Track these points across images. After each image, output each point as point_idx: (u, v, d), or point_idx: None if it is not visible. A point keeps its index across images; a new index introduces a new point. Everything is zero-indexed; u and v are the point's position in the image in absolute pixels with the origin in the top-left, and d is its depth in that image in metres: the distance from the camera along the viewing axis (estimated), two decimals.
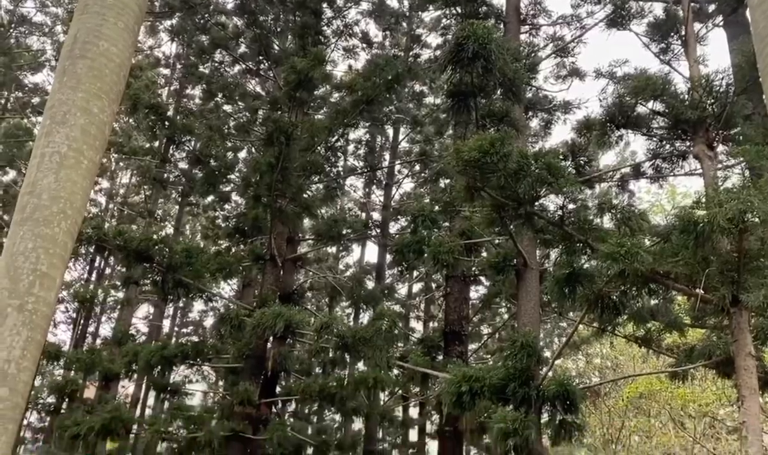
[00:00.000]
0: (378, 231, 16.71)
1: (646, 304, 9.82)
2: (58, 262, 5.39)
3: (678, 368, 9.46)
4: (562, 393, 8.38)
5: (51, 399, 21.17)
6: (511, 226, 8.32)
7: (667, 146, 8.88)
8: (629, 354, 16.57)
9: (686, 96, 8.45)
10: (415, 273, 25.84)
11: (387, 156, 21.07)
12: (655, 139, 8.88)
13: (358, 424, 27.30)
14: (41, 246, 5.22)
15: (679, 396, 13.71)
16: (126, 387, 27.13)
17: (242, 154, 17.68)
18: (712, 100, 8.16)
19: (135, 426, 14.58)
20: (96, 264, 26.87)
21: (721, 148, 8.40)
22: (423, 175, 20.69)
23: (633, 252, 6.27)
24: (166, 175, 17.84)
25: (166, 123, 13.54)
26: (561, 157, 9.05)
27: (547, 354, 9.67)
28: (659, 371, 11.62)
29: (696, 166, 9.03)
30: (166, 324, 30.12)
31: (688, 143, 8.60)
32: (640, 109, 8.75)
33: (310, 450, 20.35)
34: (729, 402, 14.58)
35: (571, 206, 7.57)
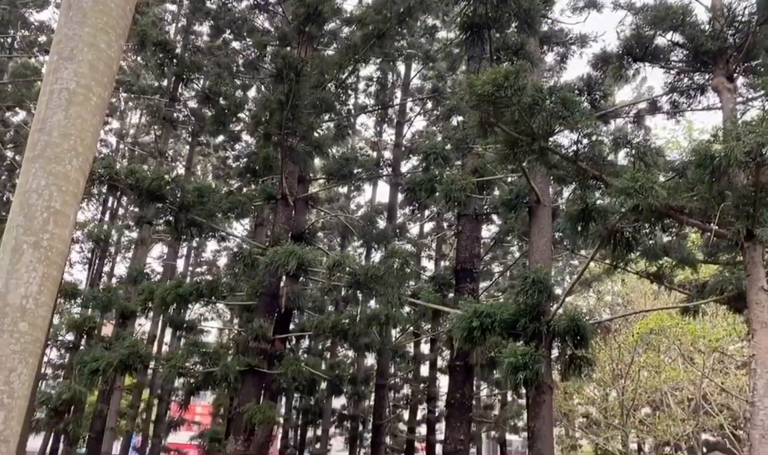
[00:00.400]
0: (389, 170, 16.64)
1: (659, 241, 9.78)
2: (71, 200, 5.41)
3: (689, 303, 9.49)
4: (573, 328, 8.45)
5: (70, 336, 21.69)
6: (525, 163, 8.23)
7: (686, 79, 8.67)
8: (640, 291, 16.62)
9: (707, 26, 8.19)
10: (427, 213, 25.84)
11: (398, 93, 20.78)
12: (673, 71, 8.66)
13: (370, 360, 27.84)
14: (53, 183, 5.23)
15: (689, 331, 13.78)
16: (142, 325, 27.69)
17: (252, 92, 17.49)
18: (734, 31, 7.91)
19: (152, 362, 14.93)
20: (109, 204, 27.05)
21: (741, 80, 8.19)
22: (435, 112, 20.44)
23: (647, 187, 6.20)
24: (175, 115, 17.71)
25: (175, 60, 13.36)
26: (576, 91, 8.87)
27: (558, 291, 9.71)
28: (670, 306, 11.67)
29: (714, 100, 8.83)
30: (180, 263, 30.49)
31: (707, 76, 8.39)
32: (659, 41, 8.51)
33: (323, 385, 20.85)
34: (739, 337, 14.67)
35: (585, 141, 7.46)
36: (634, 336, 14.72)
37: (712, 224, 6.52)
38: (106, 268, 28.41)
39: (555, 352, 11.67)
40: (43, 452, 25.91)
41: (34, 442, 23.83)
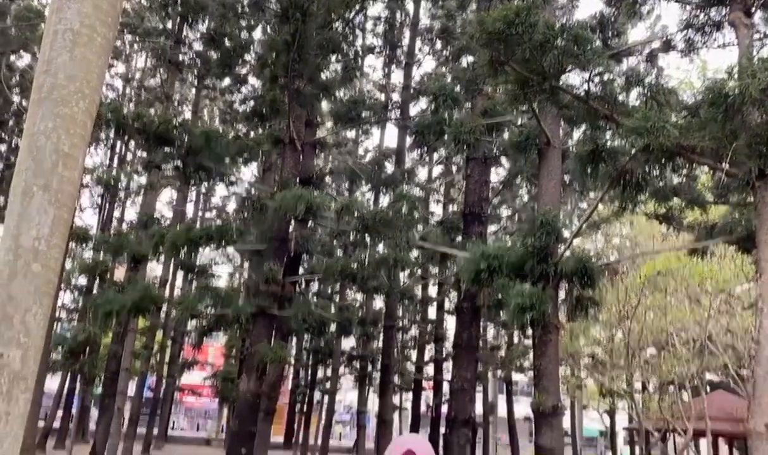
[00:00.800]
0: (398, 113, 16.46)
1: (669, 182, 9.71)
2: (79, 142, 5.39)
3: (698, 244, 9.48)
4: (580, 269, 8.48)
5: (83, 280, 22.00)
6: (535, 103, 8.12)
7: (702, 15, 8.45)
8: (649, 234, 16.60)
9: None
10: (436, 157, 25.70)
11: (407, 33, 20.37)
12: (689, 6, 8.44)
13: (378, 302, 28.16)
14: (61, 125, 5.21)
15: (696, 273, 13.81)
16: (154, 269, 28.02)
17: (257, 34, 17.20)
18: None
19: (165, 305, 15.18)
20: (117, 149, 27.04)
21: (759, 15, 7.97)
22: (445, 53, 20.06)
23: (659, 127, 6.12)
24: (181, 57, 17.49)
25: (179, 1, 13.12)
26: (589, 29, 8.66)
27: (566, 234, 9.70)
28: (679, 247, 11.66)
29: (731, 37, 8.62)
30: (190, 209, 30.62)
31: (723, 11, 8.16)
32: None
33: (333, 327, 21.16)
34: (746, 278, 14.70)
35: (597, 80, 7.34)
36: (641, 277, 14.78)
37: (723, 164, 6.45)
38: (117, 214, 28.61)
39: (562, 294, 11.76)
40: (60, 392, 26.60)
41: (52, 382, 24.46)
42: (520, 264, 8.76)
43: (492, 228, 20.83)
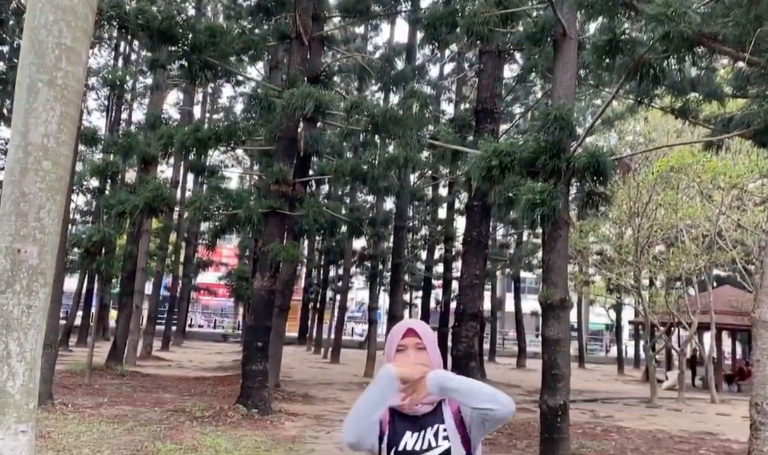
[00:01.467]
0: (408, 5, 15.85)
1: (687, 75, 9.43)
2: (82, 36, 5.25)
3: (714, 138, 9.32)
4: (593, 164, 8.38)
5: (94, 182, 22.12)
6: None
7: None
8: (663, 130, 16.31)
9: None
10: (447, 52, 24.99)
11: None
12: None
13: (389, 203, 28.26)
14: (62, 18, 5.05)
15: (710, 168, 13.64)
16: (164, 171, 28.07)
17: None
18: None
19: (177, 205, 15.29)
20: (121, 49, 26.47)
21: None
22: None
23: (680, 13, 5.86)
24: None
25: None
26: None
27: (580, 131, 9.51)
28: (694, 141, 11.47)
29: None
30: (197, 110, 30.28)
31: None
32: None
33: (344, 228, 21.35)
34: (760, 174, 14.55)
35: None
36: (654, 174, 14.63)
37: (746, 52, 6.22)
38: (124, 115, 28.37)
39: (573, 190, 11.70)
40: (79, 292, 27.37)
41: (71, 283, 25.10)
42: (532, 161, 8.65)
43: (504, 127, 20.50)
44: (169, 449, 7.99)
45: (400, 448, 2.22)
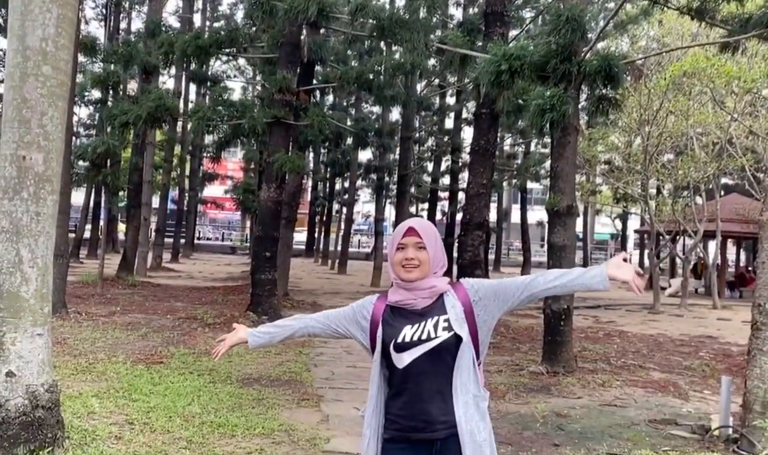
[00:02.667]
0: None
1: None
2: None
3: (731, 38, 9.02)
4: (605, 68, 8.16)
5: (96, 93, 21.86)
6: None
7: None
8: (678, 34, 15.79)
9: None
10: None
11: None
12: None
13: (395, 114, 27.89)
14: None
15: (724, 72, 13.26)
16: (166, 82, 27.64)
17: None
18: None
19: (180, 116, 15.10)
20: None
21: None
22: None
23: None
24: None
25: None
26: None
27: (591, 36, 9.20)
28: (710, 42, 11.11)
29: None
30: (197, 19, 29.46)
31: None
32: None
33: (349, 139, 21.16)
34: None
35: None
36: (666, 79, 14.27)
37: None
38: (123, 25, 27.69)
39: (583, 98, 11.46)
40: (87, 205, 27.53)
41: (78, 196, 25.23)
42: (543, 65, 8.44)
43: (514, 32, 19.90)
44: (182, 353, 8.22)
45: (399, 340, 2.23)
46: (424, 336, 2.21)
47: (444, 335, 2.19)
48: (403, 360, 2.22)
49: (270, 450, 4.85)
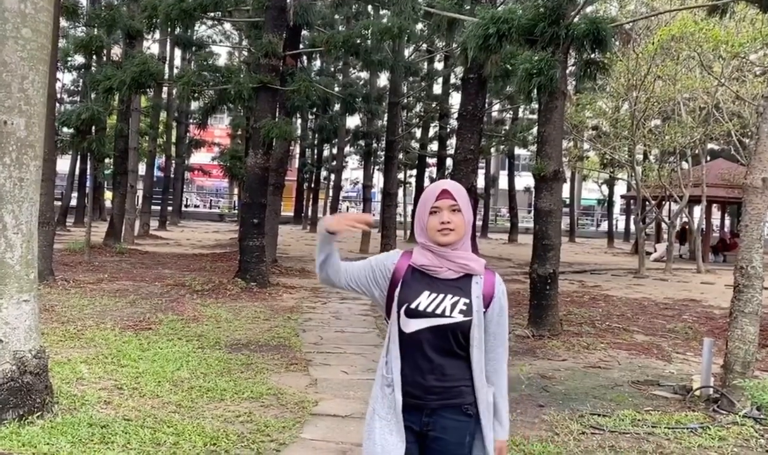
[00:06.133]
0: None
1: None
2: None
3: (719, 1, 8.99)
4: (593, 31, 8.14)
5: (80, 59, 21.47)
6: None
7: None
8: None
9: None
10: None
11: None
12: None
13: (383, 80, 27.68)
14: None
15: (712, 37, 13.24)
16: (150, 47, 27.17)
17: None
18: None
19: (165, 81, 14.89)
20: None
21: None
22: None
23: None
24: None
25: None
26: None
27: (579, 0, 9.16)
28: (699, 5, 11.05)
29: None
30: None
31: None
32: None
33: (337, 106, 21.00)
34: (763, 42, 14.15)
35: None
36: (654, 44, 14.23)
37: None
38: None
39: (571, 62, 11.40)
40: (72, 172, 27.26)
41: (63, 164, 24.98)
42: (531, 28, 8.39)
43: None
44: (171, 319, 8.24)
45: (413, 305, 2.17)
46: (438, 311, 2.15)
47: (458, 318, 2.14)
48: (409, 325, 2.17)
49: (259, 414, 4.91)
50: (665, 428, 5.00)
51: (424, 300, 2.16)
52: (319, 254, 2.28)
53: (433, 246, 2.19)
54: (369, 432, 2.20)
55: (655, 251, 23.47)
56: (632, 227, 31.31)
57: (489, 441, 2.20)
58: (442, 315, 2.14)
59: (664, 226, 23.33)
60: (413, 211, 2.31)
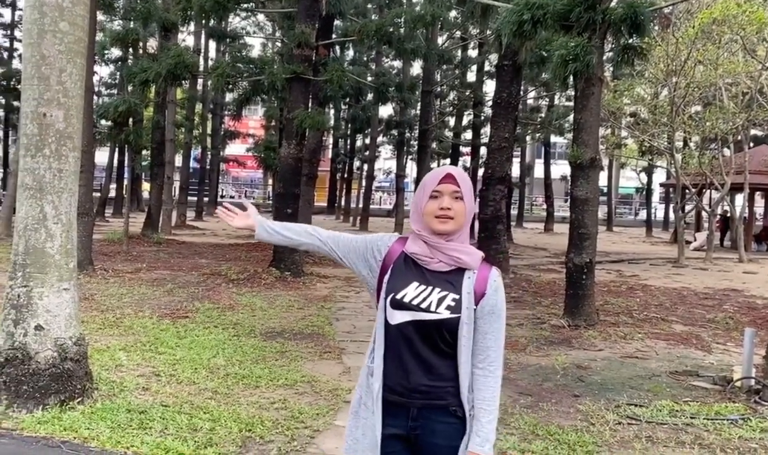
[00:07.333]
0: None
1: None
2: None
3: None
4: (630, 15, 7.94)
5: (116, 52, 21.84)
6: None
7: None
8: None
9: None
10: None
11: None
12: None
13: (416, 69, 27.52)
14: None
15: (756, 19, 12.81)
16: (185, 40, 27.52)
17: None
18: None
19: (200, 73, 15.06)
20: None
21: None
22: None
23: None
24: None
25: None
26: None
27: None
28: None
29: None
30: None
31: None
32: None
33: (370, 95, 20.96)
34: None
35: None
36: (695, 27, 13.84)
37: None
38: None
39: (607, 48, 11.16)
40: (111, 164, 27.81)
41: (102, 156, 25.49)
42: (566, 13, 8.23)
43: None
44: (207, 308, 8.35)
45: (398, 296, 2.02)
46: (423, 305, 1.99)
47: (444, 314, 1.98)
48: (394, 317, 2.02)
49: (293, 401, 4.94)
50: (704, 419, 4.89)
51: (411, 292, 2.01)
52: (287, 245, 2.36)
53: (427, 236, 2.04)
54: (354, 420, 2.11)
55: (695, 240, 22.95)
56: (671, 216, 30.66)
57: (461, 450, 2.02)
58: (427, 309, 1.99)
59: (704, 214, 22.80)
60: None
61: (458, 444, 2.03)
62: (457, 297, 2.00)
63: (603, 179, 30.09)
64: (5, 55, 29.53)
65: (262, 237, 2.27)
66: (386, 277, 2.07)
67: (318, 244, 2.22)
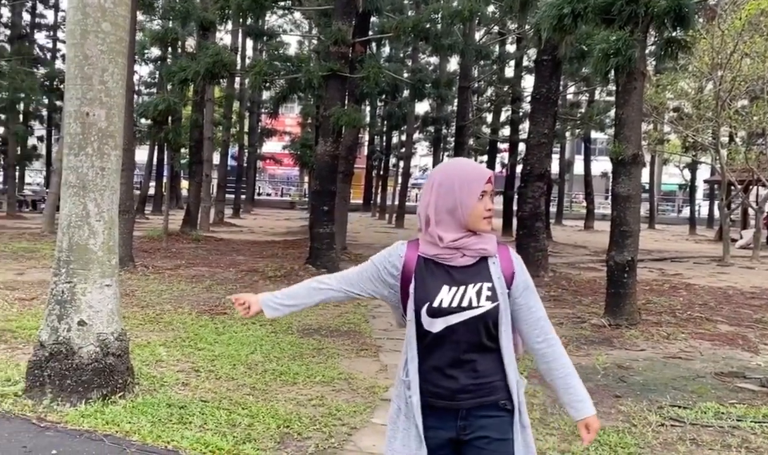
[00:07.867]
0: None
1: None
2: None
3: None
4: (674, 8, 7.72)
5: (156, 51, 22.21)
6: None
7: None
8: None
9: None
10: None
11: None
12: None
13: (453, 64, 27.35)
14: None
15: None
16: (222, 39, 27.83)
17: None
18: None
19: (237, 72, 15.21)
20: None
21: None
22: None
23: None
24: None
25: None
26: None
27: None
28: None
29: None
30: None
31: None
32: None
33: (406, 92, 20.90)
34: None
35: None
36: (742, 19, 13.43)
37: None
38: None
39: (650, 42, 10.90)
40: (150, 162, 28.33)
41: (141, 154, 25.97)
42: (607, 7, 8.05)
43: None
44: None
45: (435, 304, 1.97)
46: (464, 303, 1.97)
47: (488, 305, 1.97)
48: (436, 325, 1.98)
49: (330, 398, 4.94)
50: (752, 422, 4.72)
51: (446, 297, 1.98)
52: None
53: (450, 243, 1.99)
54: (393, 432, 2.07)
55: (741, 238, 22.31)
56: (716, 213, 29.90)
57: (530, 438, 2.06)
58: (470, 306, 1.96)
59: (750, 211, 22.13)
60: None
61: (510, 436, 2.02)
62: (490, 285, 2.00)
63: (645, 176, 29.46)
64: (48, 55, 30.28)
65: (272, 316, 2.27)
66: (411, 287, 2.02)
67: (332, 295, 2.20)
